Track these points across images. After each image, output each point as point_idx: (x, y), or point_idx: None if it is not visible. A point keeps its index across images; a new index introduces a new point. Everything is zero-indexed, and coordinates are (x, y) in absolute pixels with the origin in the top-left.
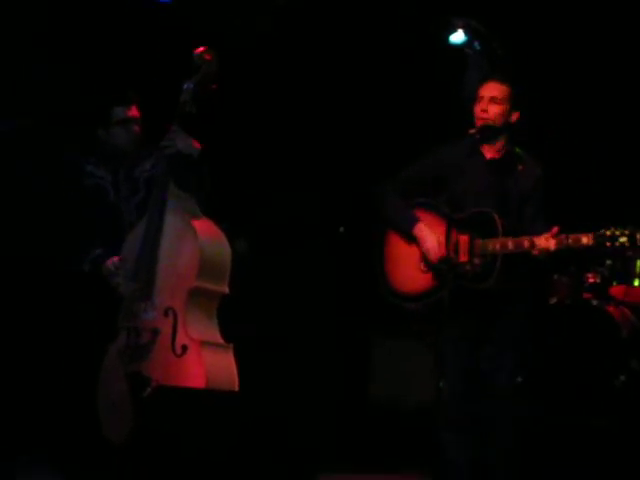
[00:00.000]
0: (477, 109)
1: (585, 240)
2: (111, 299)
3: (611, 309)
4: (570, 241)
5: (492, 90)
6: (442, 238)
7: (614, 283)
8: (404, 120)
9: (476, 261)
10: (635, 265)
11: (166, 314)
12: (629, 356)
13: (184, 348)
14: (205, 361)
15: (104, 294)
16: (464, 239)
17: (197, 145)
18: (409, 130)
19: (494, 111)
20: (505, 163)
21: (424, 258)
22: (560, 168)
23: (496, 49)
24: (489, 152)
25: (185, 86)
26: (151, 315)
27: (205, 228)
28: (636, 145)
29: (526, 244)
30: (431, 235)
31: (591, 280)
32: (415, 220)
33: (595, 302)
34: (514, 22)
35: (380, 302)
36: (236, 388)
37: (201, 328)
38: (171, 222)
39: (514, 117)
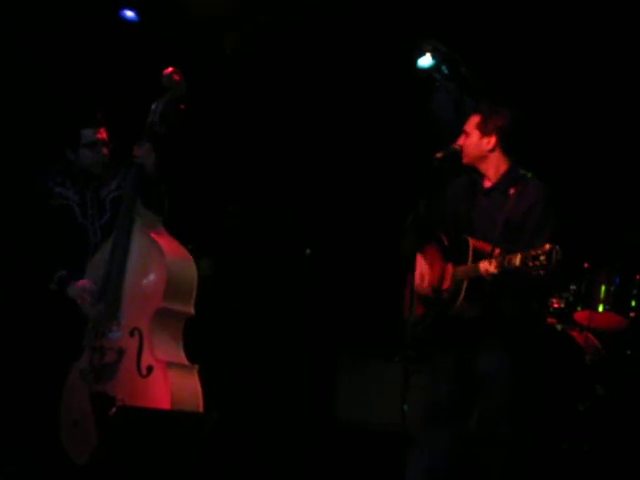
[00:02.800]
0: None
1: (515, 260)
2: (76, 318)
3: (575, 334)
4: (506, 262)
5: (466, 123)
6: (427, 268)
7: (578, 308)
8: (372, 143)
9: (450, 288)
10: (599, 290)
11: (132, 334)
12: (593, 381)
13: (149, 369)
14: (170, 382)
15: (69, 313)
16: (449, 267)
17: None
18: (377, 153)
19: (464, 143)
20: (499, 189)
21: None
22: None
23: (464, 73)
24: (488, 181)
25: (153, 107)
26: (117, 335)
27: (172, 248)
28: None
29: (478, 270)
30: (418, 265)
31: (555, 305)
32: (413, 245)
33: (559, 327)
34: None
35: (346, 324)
36: (200, 409)
37: (167, 349)
38: (138, 242)
39: (491, 143)
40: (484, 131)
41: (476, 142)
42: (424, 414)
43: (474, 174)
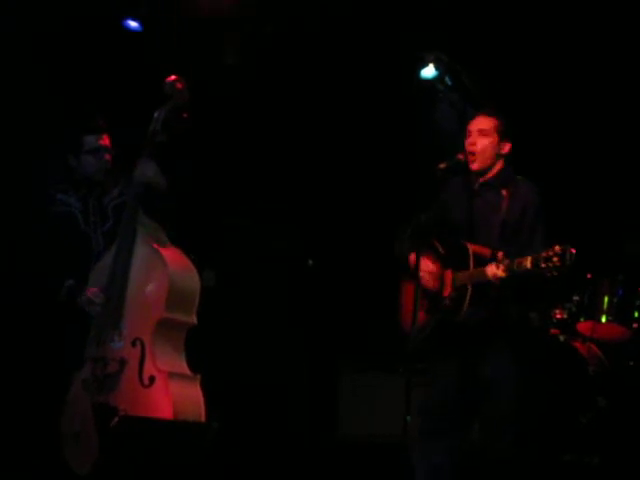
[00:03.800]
0: (466, 143)
1: (526, 263)
2: (79, 328)
3: (578, 345)
4: (515, 266)
5: (479, 123)
6: (434, 269)
7: (581, 319)
8: (374, 154)
9: (453, 294)
10: (602, 301)
11: (134, 344)
12: (596, 392)
13: (151, 379)
14: (172, 392)
15: (72, 323)
16: (448, 273)
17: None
18: (379, 165)
19: (482, 143)
20: (491, 185)
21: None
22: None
23: (467, 83)
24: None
25: (155, 115)
26: (119, 345)
27: (174, 258)
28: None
29: (485, 274)
30: (423, 265)
31: (558, 316)
32: (409, 252)
33: (562, 338)
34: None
35: (347, 336)
36: (203, 419)
37: (169, 359)
38: (140, 251)
39: (505, 148)
40: (502, 136)
41: (495, 144)
42: (423, 425)
43: (467, 176)
